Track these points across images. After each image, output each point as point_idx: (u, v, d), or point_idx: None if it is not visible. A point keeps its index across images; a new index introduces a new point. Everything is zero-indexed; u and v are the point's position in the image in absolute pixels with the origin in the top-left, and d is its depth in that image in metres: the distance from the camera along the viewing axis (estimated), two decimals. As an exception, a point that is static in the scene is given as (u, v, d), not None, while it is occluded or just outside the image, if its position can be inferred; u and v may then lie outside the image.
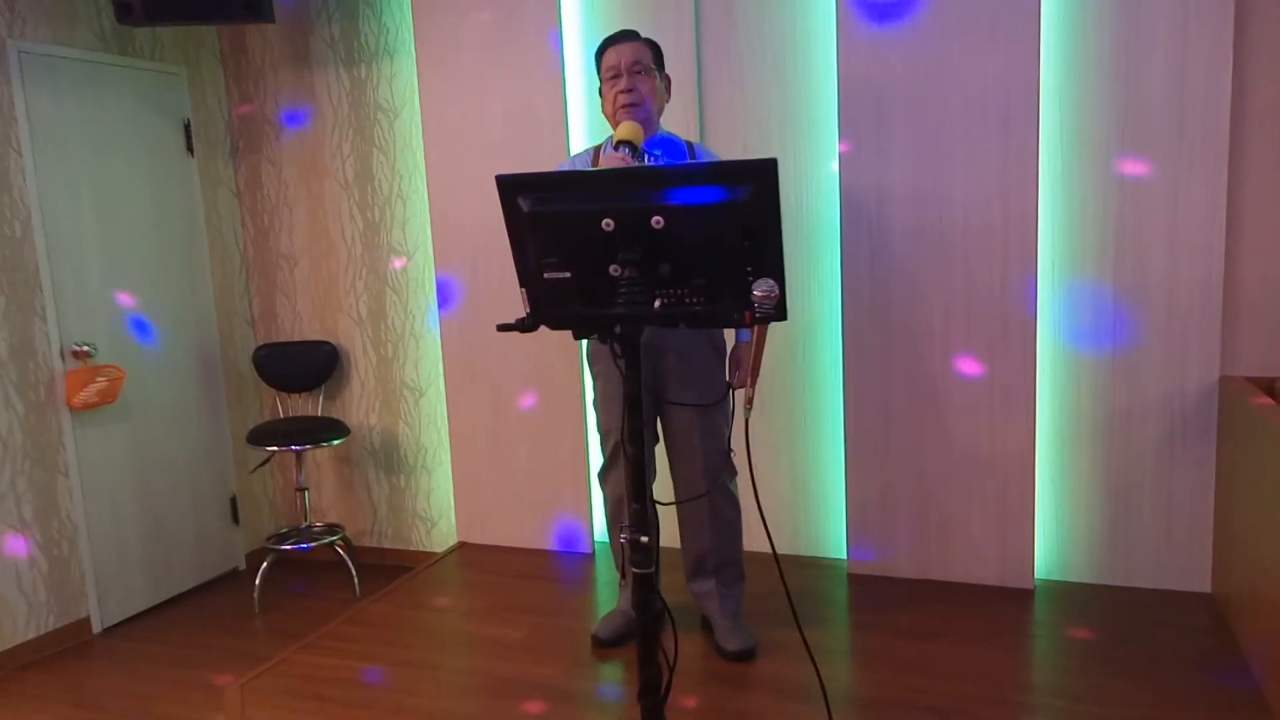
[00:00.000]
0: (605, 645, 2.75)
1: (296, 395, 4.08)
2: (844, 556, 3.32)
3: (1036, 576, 3.12)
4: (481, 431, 3.69)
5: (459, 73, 3.51)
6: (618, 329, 1.94)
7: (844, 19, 3.01)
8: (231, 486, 4.04)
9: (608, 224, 1.86)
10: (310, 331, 4.07)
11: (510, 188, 1.94)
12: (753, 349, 1.87)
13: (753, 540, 3.18)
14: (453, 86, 3.53)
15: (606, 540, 3.66)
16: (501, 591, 3.26)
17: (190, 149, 3.84)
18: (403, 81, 3.74)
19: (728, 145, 3.27)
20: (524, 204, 1.94)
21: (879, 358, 3.12)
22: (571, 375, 3.51)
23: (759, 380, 3.04)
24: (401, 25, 3.70)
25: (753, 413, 3.11)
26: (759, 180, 1.82)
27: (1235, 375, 2.84)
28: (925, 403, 3.09)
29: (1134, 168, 2.87)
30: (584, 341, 3.43)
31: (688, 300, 1.92)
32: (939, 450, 3.10)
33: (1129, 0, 2.81)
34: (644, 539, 1.90)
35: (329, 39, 3.83)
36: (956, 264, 3.00)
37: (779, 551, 3.41)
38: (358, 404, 4.04)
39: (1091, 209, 2.93)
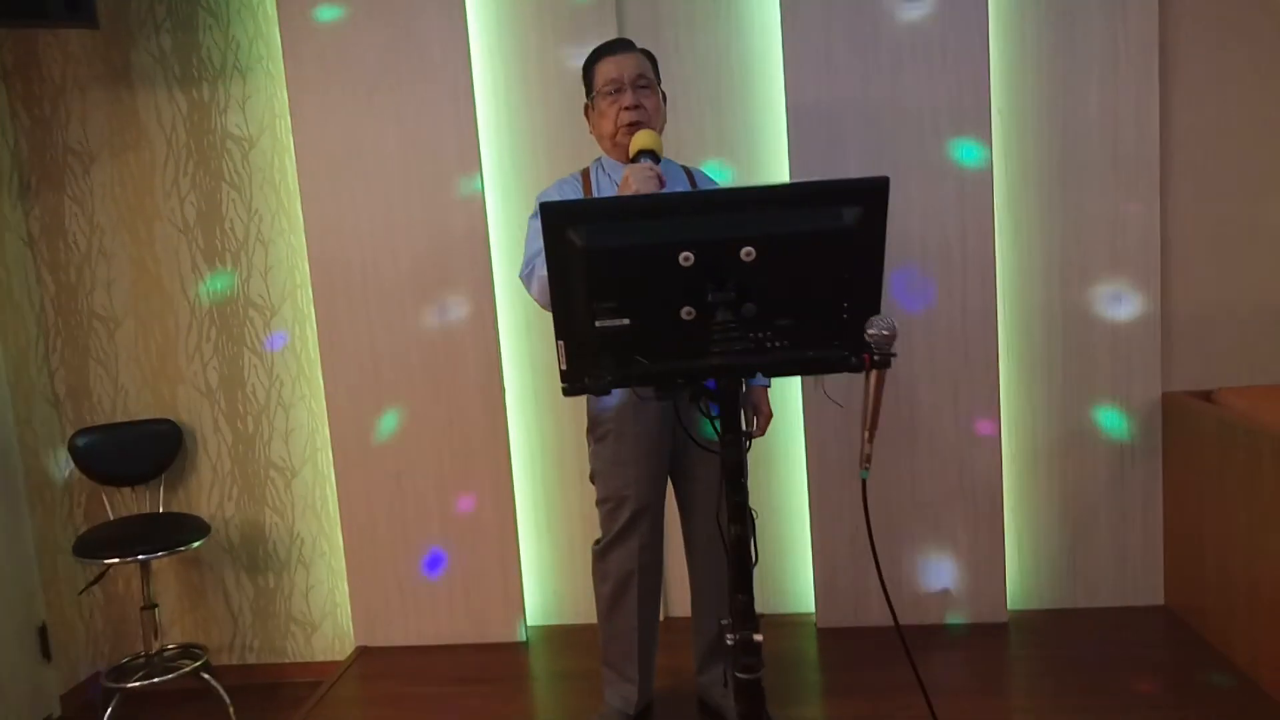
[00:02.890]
0: (610, 754, 2.34)
1: (127, 489, 3.28)
2: (811, 610, 3.10)
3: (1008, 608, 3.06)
4: (381, 512, 3.13)
5: (341, 92, 2.99)
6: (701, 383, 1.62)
7: (789, 44, 2.85)
8: (40, 613, 3.16)
9: (686, 258, 1.53)
10: (139, 409, 3.30)
11: (558, 217, 1.56)
12: (869, 397, 1.59)
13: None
14: (333, 109, 3.00)
15: (541, 624, 3.22)
16: (443, 705, 2.73)
17: (-30, 186, 3.01)
18: (260, 104, 3.14)
19: (659, 176, 3.00)
20: (576, 237, 1.57)
21: (840, 396, 2.95)
22: (494, 433, 3.06)
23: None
24: (256, 39, 3.12)
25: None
26: (868, 203, 1.57)
27: (1175, 391, 2.95)
28: (891, 441, 2.95)
29: (1076, 196, 2.92)
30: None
31: (769, 345, 1.63)
32: (907, 489, 2.97)
33: (1064, 39, 2.86)
34: (757, 637, 1.58)
35: (156, 53, 3.16)
36: (916, 293, 2.91)
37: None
38: (209, 493, 3.32)
39: (1038, 236, 2.95)
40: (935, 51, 2.81)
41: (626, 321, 1.59)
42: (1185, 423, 2.84)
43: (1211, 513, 2.69)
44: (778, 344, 1.62)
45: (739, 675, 1.59)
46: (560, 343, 1.66)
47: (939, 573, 2.98)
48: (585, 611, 3.18)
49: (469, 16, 2.95)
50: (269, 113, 3.14)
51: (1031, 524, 3.05)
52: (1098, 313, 2.94)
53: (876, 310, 1.65)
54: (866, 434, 1.62)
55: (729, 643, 1.57)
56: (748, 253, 1.53)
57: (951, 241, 2.87)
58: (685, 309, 1.58)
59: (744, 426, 2.44)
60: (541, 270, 2.23)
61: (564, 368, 1.66)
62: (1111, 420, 2.98)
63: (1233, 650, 2.61)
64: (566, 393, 1.59)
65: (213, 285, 3.22)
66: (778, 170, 2.97)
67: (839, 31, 2.84)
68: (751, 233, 1.55)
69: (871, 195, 1.57)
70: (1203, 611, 2.79)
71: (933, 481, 2.96)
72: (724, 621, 1.59)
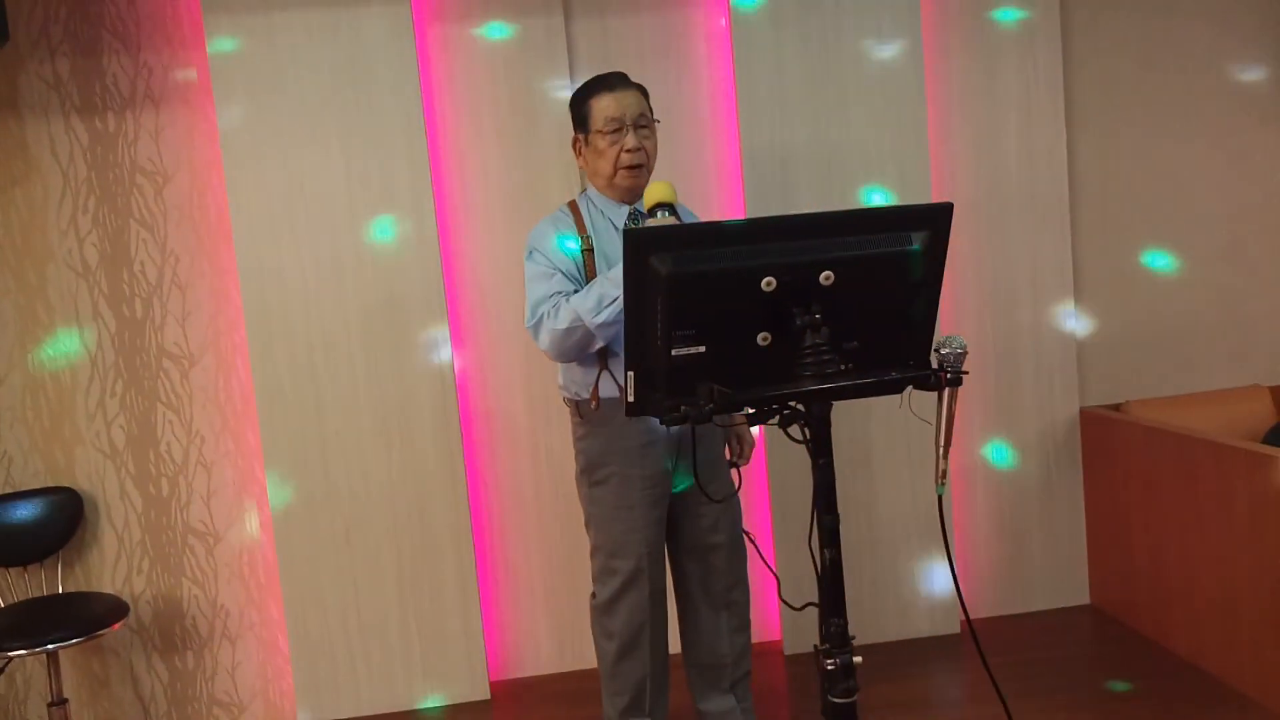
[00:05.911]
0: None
1: (16, 569, 2.86)
2: (777, 638, 3.13)
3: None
4: (326, 572, 2.90)
5: (280, 121, 2.79)
6: (793, 407, 1.62)
7: (742, 88, 2.94)
8: (-93, 724, 2.69)
9: (769, 283, 1.54)
10: (28, 476, 2.90)
11: (643, 245, 1.54)
12: (943, 416, 1.65)
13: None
14: (271, 141, 2.79)
15: (502, 678, 3.07)
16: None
17: None
18: (176, 135, 2.88)
19: (611, 212, 3.00)
20: (661, 265, 1.55)
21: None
22: (452, 482, 2.91)
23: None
24: (173, 65, 2.87)
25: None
26: (934, 227, 1.65)
27: (1090, 406, 3.22)
28: (849, 466, 3.04)
29: (998, 231, 3.16)
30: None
31: (839, 367, 1.66)
32: (865, 511, 3.07)
33: (984, 87, 3.11)
34: (857, 659, 1.58)
35: (50, 78, 2.84)
36: (864, 324, 3.04)
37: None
38: (114, 568, 2.95)
39: (970, 270, 3.16)
40: (878, 95, 2.98)
41: (703, 349, 1.58)
42: (1104, 434, 3.11)
43: (1140, 516, 2.95)
44: (845, 366, 1.66)
45: (835, 699, 1.58)
46: (629, 373, 1.62)
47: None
48: (549, 661, 3.07)
49: (418, 43, 2.85)
50: (187, 145, 2.89)
51: (972, 537, 3.23)
52: (1021, 339, 3.18)
53: (932, 331, 1.72)
54: (941, 451, 1.68)
55: (828, 668, 1.56)
56: (827, 276, 1.57)
57: (895, 273, 3.03)
58: (761, 334, 1.59)
59: (730, 456, 2.46)
60: (551, 322, 2.13)
61: (631, 399, 1.63)
62: (1037, 436, 3.21)
63: (1170, 640, 2.85)
64: (666, 423, 1.54)
65: (120, 334, 2.90)
66: (733, 210, 3.03)
67: (791, 73, 2.95)
68: (830, 256, 1.58)
69: (939, 220, 1.64)
70: (1133, 606, 3.03)
71: (888, 504, 3.08)
72: (820, 646, 1.58)
